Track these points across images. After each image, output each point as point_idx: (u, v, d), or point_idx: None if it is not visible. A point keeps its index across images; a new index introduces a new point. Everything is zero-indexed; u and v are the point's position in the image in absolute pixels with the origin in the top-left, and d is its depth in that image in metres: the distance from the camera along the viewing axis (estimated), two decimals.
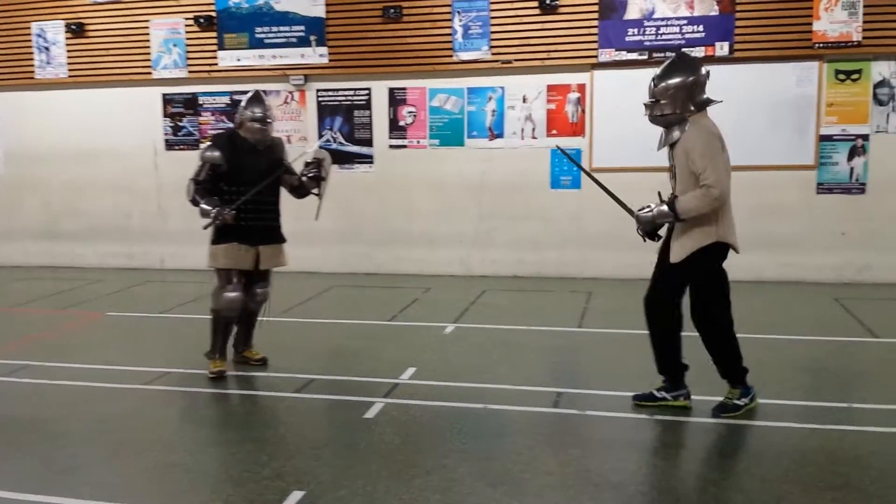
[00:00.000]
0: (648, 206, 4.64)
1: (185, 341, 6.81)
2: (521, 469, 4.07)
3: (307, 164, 5.73)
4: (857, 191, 8.58)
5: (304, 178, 5.72)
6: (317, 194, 5.73)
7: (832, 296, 8.02)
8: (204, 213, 5.44)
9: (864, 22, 8.25)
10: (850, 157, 8.54)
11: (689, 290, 4.75)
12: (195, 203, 5.48)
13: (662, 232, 4.77)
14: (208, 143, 5.70)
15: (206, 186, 5.49)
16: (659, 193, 4.72)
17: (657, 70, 4.69)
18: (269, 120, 5.64)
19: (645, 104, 4.69)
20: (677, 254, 4.62)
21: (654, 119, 4.67)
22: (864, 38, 8.28)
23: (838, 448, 4.28)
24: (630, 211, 4.81)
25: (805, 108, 8.53)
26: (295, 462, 4.24)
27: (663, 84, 4.58)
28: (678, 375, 4.87)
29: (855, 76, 8.44)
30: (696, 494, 3.78)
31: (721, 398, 4.81)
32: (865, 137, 8.50)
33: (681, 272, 4.68)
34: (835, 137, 8.54)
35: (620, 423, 4.75)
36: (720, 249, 4.63)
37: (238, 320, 5.79)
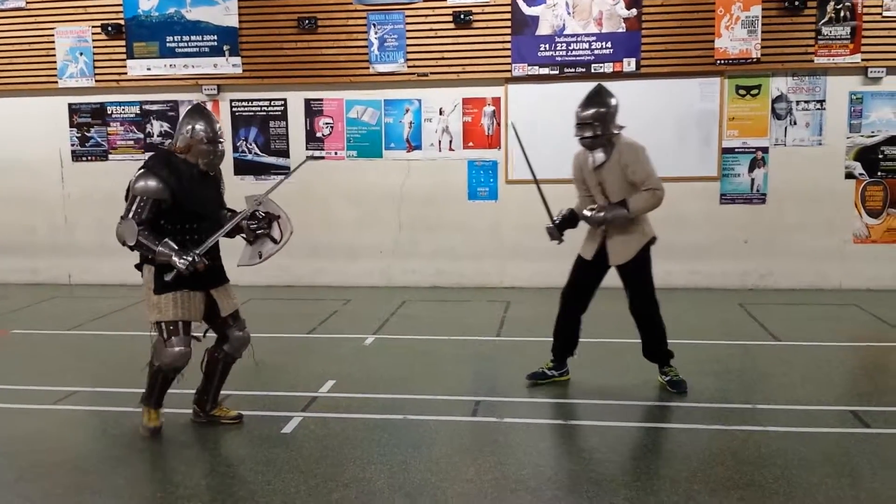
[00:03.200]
0: (595, 208, 5.19)
1: (95, 358, 6.59)
2: (440, 478, 4.11)
3: (257, 218, 4.75)
4: (757, 201, 8.99)
5: (243, 225, 4.73)
6: (249, 240, 4.80)
7: (737, 301, 8.36)
8: (164, 260, 4.37)
9: (763, 40, 8.65)
10: (751, 168, 8.93)
11: (628, 285, 5.28)
12: (145, 249, 4.39)
13: (565, 236, 5.41)
14: (140, 170, 4.48)
15: (149, 226, 4.42)
16: (584, 208, 5.34)
17: (581, 100, 5.21)
18: (221, 138, 4.65)
19: (577, 126, 5.17)
20: (622, 255, 5.19)
21: (584, 140, 5.18)
22: (762, 55, 8.67)
23: (743, 448, 4.47)
24: (551, 216, 5.41)
25: (708, 122, 8.89)
26: (210, 480, 4.17)
27: (591, 111, 5.12)
28: (567, 356, 5.59)
29: (754, 91, 8.84)
30: (608, 496, 3.88)
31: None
32: (765, 150, 8.91)
33: (632, 271, 5.22)
34: (736, 150, 8.93)
35: (537, 429, 4.85)
36: (651, 245, 5.24)
37: (210, 373, 4.85)
